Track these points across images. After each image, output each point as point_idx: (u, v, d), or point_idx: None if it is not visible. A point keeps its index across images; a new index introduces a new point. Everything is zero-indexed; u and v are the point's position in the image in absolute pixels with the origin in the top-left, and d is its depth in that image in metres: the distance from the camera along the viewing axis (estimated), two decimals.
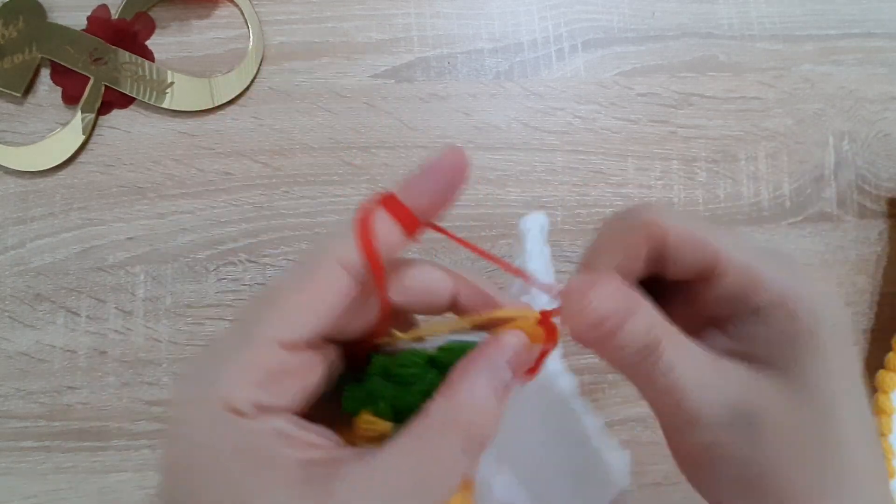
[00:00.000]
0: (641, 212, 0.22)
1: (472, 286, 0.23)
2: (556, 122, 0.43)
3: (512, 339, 0.21)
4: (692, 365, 0.20)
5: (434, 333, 0.22)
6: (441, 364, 0.21)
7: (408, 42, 0.43)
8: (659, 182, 0.43)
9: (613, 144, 0.43)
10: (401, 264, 0.22)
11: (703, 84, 0.44)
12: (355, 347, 0.22)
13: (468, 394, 0.19)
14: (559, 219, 0.42)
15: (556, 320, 0.22)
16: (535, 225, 0.30)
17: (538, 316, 0.22)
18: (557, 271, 0.42)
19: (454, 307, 0.23)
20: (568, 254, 0.42)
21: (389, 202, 0.20)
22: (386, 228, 0.20)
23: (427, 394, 0.20)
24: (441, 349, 0.22)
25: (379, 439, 0.20)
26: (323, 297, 0.20)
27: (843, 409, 0.19)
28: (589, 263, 0.22)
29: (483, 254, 0.23)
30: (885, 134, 0.44)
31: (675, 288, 0.22)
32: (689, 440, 0.20)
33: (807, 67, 0.45)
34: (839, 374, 0.20)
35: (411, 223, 0.20)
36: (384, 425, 0.21)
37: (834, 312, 0.20)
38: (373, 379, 0.22)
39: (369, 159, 0.42)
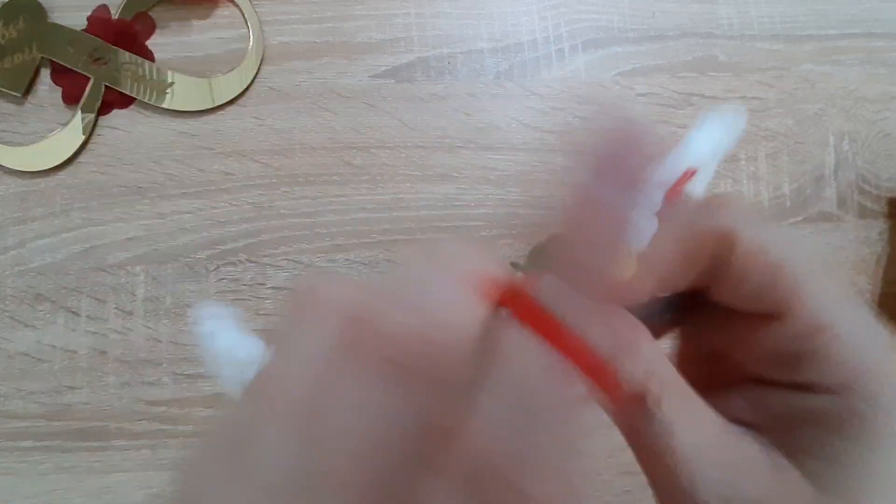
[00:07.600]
0: (718, 212, 0.16)
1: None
2: (556, 122, 0.43)
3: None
4: (698, 437, 0.15)
5: None
6: None
7: (408, 42, 0.43)
8: None
9: None
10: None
11: (703, 84, 0.44)
12: None
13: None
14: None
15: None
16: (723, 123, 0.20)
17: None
18: None
19: None
20: None
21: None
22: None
23: None
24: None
25: None
26: None
27: None
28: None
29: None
30: (885, 134, 0.44)
31: (712, 310, 0.17)
32: None
33: (807, 67, 0.45)
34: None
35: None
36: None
37: None
38: None
39: (369, 159, 0.42)
